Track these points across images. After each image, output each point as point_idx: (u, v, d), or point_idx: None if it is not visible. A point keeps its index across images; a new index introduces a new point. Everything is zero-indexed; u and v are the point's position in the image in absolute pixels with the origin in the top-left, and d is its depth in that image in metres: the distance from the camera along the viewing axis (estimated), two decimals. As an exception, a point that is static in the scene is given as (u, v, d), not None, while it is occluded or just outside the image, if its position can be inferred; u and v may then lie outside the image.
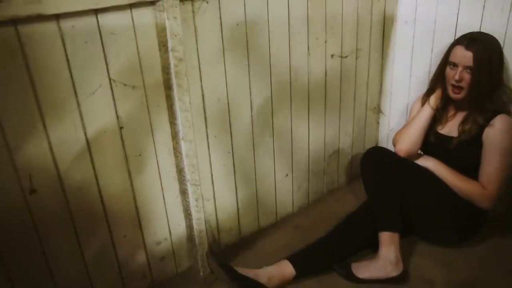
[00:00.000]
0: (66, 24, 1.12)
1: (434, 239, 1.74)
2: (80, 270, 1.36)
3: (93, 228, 1.36)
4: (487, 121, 1.57)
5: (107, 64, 1.22)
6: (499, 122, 1.56)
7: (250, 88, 1.61)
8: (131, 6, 1.21)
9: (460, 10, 1.76)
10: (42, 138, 1.17)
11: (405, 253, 1.64)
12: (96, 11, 1.15)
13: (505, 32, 1.62)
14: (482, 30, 1.68)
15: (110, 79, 1.24)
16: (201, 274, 1.62)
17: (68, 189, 1.26)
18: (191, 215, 1.53)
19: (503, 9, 1.61)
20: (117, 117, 1.30)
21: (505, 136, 1.55)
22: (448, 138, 1.68)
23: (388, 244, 1.56)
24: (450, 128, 1.70)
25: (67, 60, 1.15)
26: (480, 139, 1.59)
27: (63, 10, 1.08)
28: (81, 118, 1.22)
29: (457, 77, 1.56)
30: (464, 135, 1.62)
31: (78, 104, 1.21)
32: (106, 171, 1.33)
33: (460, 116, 1.68)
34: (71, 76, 1.17)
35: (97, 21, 1.17)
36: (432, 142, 1.73)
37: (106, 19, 1.18)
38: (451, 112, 1.73)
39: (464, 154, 1.64)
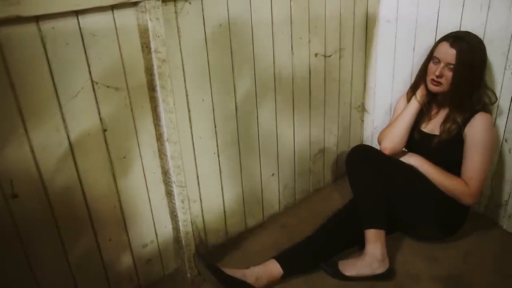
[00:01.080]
0: (46, 25, 1.10)
1: (419, 235, 1.77)
2: (65, 274, 1.35)
3: (78, 232, 1.34)
4: (467, 120, 1.60)
5: (89, 66, 1.21)
6: (479, 121, 1.58)
7: (234, 88, 1.61)
8: (112, 7, 1.20)
9: (440, 9, 1.79)
10: (23, 142, 1.15)
11: (391, 250, 1.66)
12: (76, 13, 1.14)
13: (484, 31, 1.65)
14: (462, 29, 1.71)
15: (92, 81, 1.23)
16: (188, 275, 1.61)
17: (51, 193, 1.24)
18: (177, 217, 1.52)
19: (482, 8, 1.64)
20: (101, 119, 1.29)
21: (485, 133, 1.58)
22: (431, 136, 1.71)
23: (374, 241, 1.58)
24: (433, 126, 1.73)
25: (48, 63, 1.13)
26: (461, 137, 1.62)
27: (42, 12, 1.07)
28: (64, 121, 1.21)
29: (437, 72, 1.59)
30: (445, 133, 1.65)
31: (60, 107, 1.19)
32: (90, 174, 1.32)
33: (442, 115, 1.71)
34: (53, 79, 1.15)
35: (78, 22, 1.15)
36: (416, 140, 1.76)
37: (88, 21, 1.17)
38: (434, 110, 1.75)
39: (446, 152, 1.67)
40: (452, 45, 1.56)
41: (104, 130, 1.31)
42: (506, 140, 1.70)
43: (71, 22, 1.14)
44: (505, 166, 1.73)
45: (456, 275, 1.58)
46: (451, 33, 1.63)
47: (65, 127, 1.21)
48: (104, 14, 1.19)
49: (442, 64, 1.59)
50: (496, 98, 1.66)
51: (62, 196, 1.27)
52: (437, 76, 1.59)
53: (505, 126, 1.69)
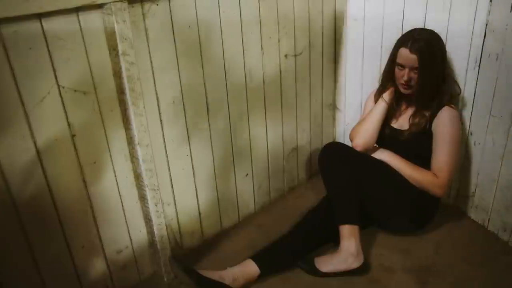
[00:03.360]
0: (7, 29, 1.07)
1: (392, 228, 1.81)
2: (36, 285, 1.31)
3: (48, 241, 1.31)
4: (434, 114, 1.66)
5: (54, 71, 1.18)
6: (445, 114, 1.64)
7: (205, 90, 1.61)
8: (77, 10, 1.18)
9: (405, 7, 1.83)
10: (-13, 150, 1.11)
11: (365, 244, 1.69)
12: (39, 16, 1.11)
13: (447, 26, 1.70)
14: (426, 25, 1.75)
15: (59, 85, 1.20)
16: (165, 280, 1.60)
17: (18, 201, 1.20)
18: (152, 221, 1.50)
19: (444, 6, 1.69)
20: (69, 124, 1.26)
21: (451, 126, 1.64)
22: (400, 131, 1.75)
23: (349, 237, 1.60)
24: (402, 122, 1.78)
25: (11, 68, 1.10)
26: (430, 131, 1.67)
27: (3, 15, 1.03)
28: (30, 128, 1.17)
29: (405, 78, 1.64)
30: (414, 128, 1.70)
31: (26, 113, 1.16)
32: (60, 181, 1.28)
33: (410, 111, 1.76)
34: (16, 84, 1.12)
35: (42, 26, 1.12)
36: (386, 136, 1.80)
37: (52, 24, 1.14)
38: (403, 107, 1.80)
39: (416, 146, 1.72)
40: (411, 50, 1.59)
41: (73, 136, 1.28)
42: (471, 133, 1.76)
43: (34, 25, 1.11)
44: (471, 159, 1.79)
45: (428, 266, 1.62)
46: (407, 35, 1.66)
47: (31, 134, 1.18)
48: (68, 17, 1.17)
49: (407, 69, 1.63)
50: (460, 89, 1.71)
51: (30, 204, 1.23)
52: (406, 81, 1.64)
53: (470, 120, 1.74)
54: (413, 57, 1.59)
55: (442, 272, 1.59)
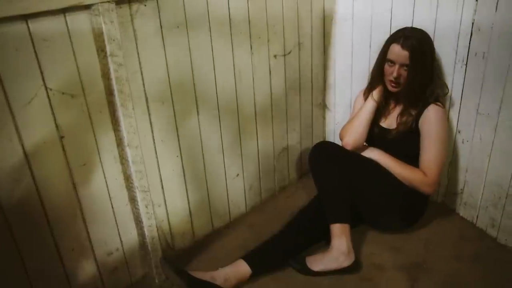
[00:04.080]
0: (-7, 31, 1.06)
1: (382, 226, 1.82)
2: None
3: (38, 244, 1.29)
4: (421, 112, 1.67)
5: (42, 72, 1.17)
6: (431, 112, 1.66)
7: (195, 91, 1.60)
8: (64, 11, 1.16)
9: (393, 7, 1.85)
10: (-27, 153, 1.10)
11: (356, 242, 1.70)
12: (25, 17, 1.10)
13: (434, 27, 1.71)
14: (414, 25, 1.77)
15: (46, 87, 1.19)
16: (157, 281, 1.59)
17: (6, 205, 1.19)
18: (142, 222, 1.49)
19: (431, 5, 1.70)
20: (57, 126, 1.25)
21: (438, 124, 1.65)
22: (389, 130, 1.77)
23: (339, 236, 1.61)
24: (391, 120, 1.79)
25: (-3, 70, 1.09)
26: (417, 129, 1.69)
27: (-13, 17, 1.03)
28: (17, 130, 1.16)
29: (395, 74, 1.64)
30: (402, 126, 1.72)
31: (13, 115, 1.14)
32: (49, 184, 1.27)
33: (399, 109, 1.77)
34: (2, 86, 1.10)
35: (28, 27, 1.11)
36: (375, 134, 1.81)
37: (38, 25, 1.13)
38: (391, 106, 1.82)
39: (404, 144, 1.73)
40: (403, 47, 1.61)
41: (61, 138, 1.27)
42: (459, 131, 1.78)
43: (20, 27, 1.10)
44: (459, 156, 1.81)
45: (419, 263, 1.63)
46: (399, 32, 1.68)
47: (19, 136, 1.17)
48: (55, 18, 1.16)
49: (397, 66, 1.64)
50: (448, 89, 1.73)
51: (19, 207, 1.22)
52: (395, 78, 1.65)
53: (458, 118, 1.76)
54: (405, 53, 1.61)
55: (432, 269, 1.60)
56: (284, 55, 1.93)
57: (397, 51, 1.63)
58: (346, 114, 2.19)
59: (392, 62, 1.66)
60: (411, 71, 1.62)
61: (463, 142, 1.77)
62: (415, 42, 1.61)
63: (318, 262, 1.61)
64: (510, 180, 1.59)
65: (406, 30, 1.68)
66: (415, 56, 1.60)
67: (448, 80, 1.74)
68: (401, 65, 1.64)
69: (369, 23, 1.97)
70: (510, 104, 1.53)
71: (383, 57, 1.70)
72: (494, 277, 1.54)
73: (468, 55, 1.64)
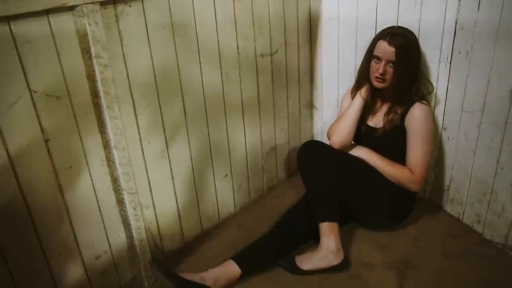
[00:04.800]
0: (-25, 33, 1.04)
1: (371, 224, 1.83)
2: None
3: (23, 249, 1.28)
4: (406, 110, 1.69)
5: (25, 75, 1.15)
6: (417, 110, 1.67)
7: (181, 90, 1.60)
8: (47, 12, 1.15)
9: (378, 7, 1.86)
10: (-44, 157, 1.08)
11: (345, 241, 1.71)
12: (8, 18, 1.08)
13: (419, 26, 1.73)
14: (399, 24, 1.79)
15: (30, 90, 1.18)
16: (146, 284, 1.58)
17: (-9, 210, 1.17)
18: (130, 225, 1.48)
19: (415, 4, 1.72)
20: (42, 129, 1.23)
21: (424, 122, 1.67)
22: (375, 129, 1.78)
23: (328, 234, 1.62)
24: (377, 119, 1.80)
25: (-21, 72, 1.07)
26: (403, 127, 1.70)
27: (-31, 19, 1.01)
28: (0, 133, 1.14)
29: (381, 70, 1.66)
30: (388, 124, 1.73)
31: (-4, 119, 1.13)
32: (34, 187, 1.26)
33: (385, 108, 1.79)
34: (-15, 89, 1.09)
35: (10, 29, 1.09)
36: (362, 133, 1.82)
37: (21, 27, 1.11)
38: (378, 105, 1.83)
39: (391, 142, 1.75)
40: (390, 43, 1.63)
41: (47, 140, 1.25)
42: (445, 129, 1.80)
43: (2, 29, 1.08)
44: (445, 153, 1.83)
45: (407, 260, 1.65)
46: (386, 30, 1.70)
47: (3, 139, 1.15)
48: (38, 19, 1.14)
49: (383, 62, 1.66)
50: (433, 88, 1.75)
51: (4, 212, 1.20)
52: (381, 74, 1.66)
53: (444, 115, 1.78)
54: (391, 49, 1.62)
55: (420, 266, 1.62)
56: (271, 54, 1.93)
57: (384, 48, 1.64)
58: (334, 113, 2.20)
59: (379, 59, 1.67)
60: (397, 68, 1.64)
61: (448, 140, 1.79)
62: (401, 39, 1.63)
63: (307, 261, 1.61)
64: (494, 176, 1.62)
65: (393, 28, 1.70)
66: (401, 53, 1.62)
67: (433, 78, 1.76)
68: (387, 62, 1.65)
69: (354, 23, 1.98)
70: (493, 102, 1.55)
71: (370, 54, 1.71)
72: (481, 272, 1.56)
73: (452, 54, 1.67)
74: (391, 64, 1.65)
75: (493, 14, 1.47)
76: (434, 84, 1.76)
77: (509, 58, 1.46)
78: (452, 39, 1.65)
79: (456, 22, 1.61)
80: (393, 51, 1.62)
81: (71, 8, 1.19)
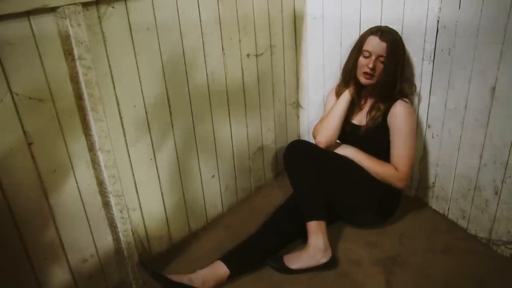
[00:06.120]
0: (-47, 36, 1.02)
1: (358, 222, 1.84)
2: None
3: (7, 254, 1.25)
4: (389, 108, 1.71)
5: (6, 77, 1.13)
6: (399, 107, 1.70)
7: (167, 92, 1.59)
8: (28, 13, 1.13)
9: (362, 6, 1.88)
10: None
11: (333, 239, 1.72)
12: (-13, 21, 1.07)
13: (402, 25, 1.75)
14: (383, 23, 1.80)
15: (12, 93, 1.16)
16: (134, 287, 1.57)
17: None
18: (117, 228, 1.47)
19: (398, 4, 1.74)
20: (24, 132, 1.21)
21: (406, 119, 1.69)
22: (359, 127, 1.80)
23: (316, 233, 1.62)
24: (361, 117, 1.82)
25: (-41, 76, 1.05)
26: (386, 125, 1.72)
27: None
28: (-18, 137, 1.13)
29: (371, 65, 1.67)
30: (371, 122, 1.75)
31: (-23, 122, 1.11)
32: (18, 191, 1.24)
33: (368, 106, 1.80)
34: (-35, 93, 1.07)
35: (-10, 31, 1.08)
36: (347, 132, 1.84)
37: (1, 29, 1.09)
38: (362, 103, 1.84)
39: (375, 140, 1.77)
40: (381, 38, 1.65)
41: (30, 144, 1.23)
42: (429, 126, 1.82)
43: (-18, 31, 1.07)
44: (430, 151, 1.85)
45: (394, 256, 1.67)
46: (375, 27, 1.72)
47: (-16, 144, 1.13)
48: (19, 21, 1.12)
49: (373, 57, 1.67)
50: (416, 87, 1.78)
51: (-13, 217, 1.18)
52: (371, 69, 1.67)
53: (427, 113, 1.81)
54: (383, 44, 1.65)
55: (407, 262, 1.63)
56: (256, 55, 1.93)
57: (375, 42, 1.66)
58: (320, 112, 2.21)
59: (369, 53, 1.68)
60: (388, 62, 1.66)
61: (433, 137, 1.82)
62: (391, 36, 1.67)
63: (296, 260, 1.62)
64: (478, 172, 1.64)
65: (381, 27, 1.73)
66: (392, 49, 1.65)
67: (417, 76, 1.78)
68: (377, 57, 1.67)
69: (339, 22, 2.00)
70: (475, 98, 1.58)
71: (358, 50, 1.72)
72: (466, 267, 1.59)
73: (435, 52, 1.69)
74: (381, 59, 1.66)
75: (474, 13, 1.49)
76: (418, 81, 1.78)
77: (489, 56, 1.48)
78: (435, 38, 1.67)
79: (438, 21, 1.64)
80: (385, 46, 1.64)
81: (53, 9, 1.17)
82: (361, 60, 1.71)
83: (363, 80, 1.72)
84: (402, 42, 1.72)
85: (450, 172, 1.77)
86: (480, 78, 1.54)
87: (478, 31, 1.50)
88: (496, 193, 1.59)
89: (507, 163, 1.52)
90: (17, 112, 1.18)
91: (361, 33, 1.79)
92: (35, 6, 1.12)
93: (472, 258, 1.63)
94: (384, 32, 1.67)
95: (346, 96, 1.79)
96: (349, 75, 1.79)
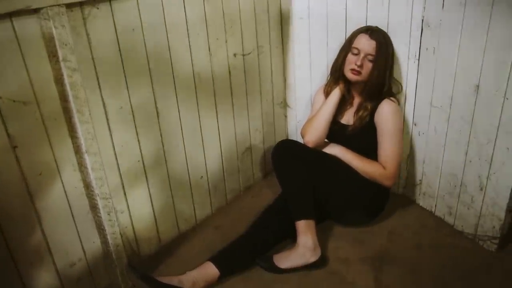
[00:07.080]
0: None
1: (346, 220, 1.85)
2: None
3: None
4: (376, 107, 1.73)
5: (-11, 80, 1.12)
6: (385, 106, 1.72)
7: (153, 92, 1.58)
8: (10, 15, 1.12)
9: (347, 5, 1.89)
10: None
11: (322, 238, 1.73)
12: (-31, 23, 1.05)
13: (387, 24, 1.77)
14: (369, 22, 1.81)
15: (-5, 96, 1.14)
16: (123, 289, 1.56)
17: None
18: (105, 230, 1.46)
19: (383, 3, 1.75)
20: (8, 136, 1.20)
21: (393, 118, 1.71)
22: (347, 126, 1.81)
23: (305, 232, 1.63)
24: (348, 117, 1.84)
25: None
26: (373, 124, 1.74)
27: None
28: (-35, 141, 1.11)
29: (358, 62, 1.69)
30: (358, 122, 1.76)
31: (-40, 126, 1.09)
32: (3, 196, 1.22)
33: (355, 105, 1.82)
34: None
35: (-28, 33, 1.06)
36: (334, 131, 1.84)
37: (-17, 31, 1.08)
38: (349, 102, 1.85)
39: (362, 139, 1.78)
40: (371, 37, 1.67)
41: (14, 147, 1.22)
42: (415, 124, 1.84)
43: (-37, 33, 1.05)
44: (416, 148, 1.87)
45: (382, 254, 1.68)
46: (365, 27, 1.74)
47: (-32, 148, 1.12)
48: (1, 22, 1.11)
49: (362, 55, 1.69)
50: (402, 87, 1.80)
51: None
52: (359, 66, 1.69)
53: (414, 111, 1.83)
54: (373, 43, 1.67)
55: (395, 259, 1.65)
56: (243, 55, 1.93)
57: (365, 40, 1.68)
58: (308, 112, 2.21)
59: (357, 51, 1.69)
60: (376, 62, 1.68)
61: (419, 135, 1.84)
62: (381, 36, 1.69)
63: (285, 260, 1.62)
64: (463, 169, 1.66)
65: (372, 26, 1.75)
66: (381, 47, 1.67)
67: (403, 75, 1.80)
68: (366, 55, 1.68)
69: (325, 22, 2.00)
70: (460, 96, 1.60)
71: (348, 46, 1.74)
72: (453, 263, 1.61)
73: (420, 51, 1.71)
74: (369, 58, 1.68)
75: (457, 12, 1.51)
76: (404, 80, 1.80)
77: (472, 55, 1.50)
78: (420, 37, 1.69)
79: (422, 20, 1.65)
80: (374, 45, 1.67)
81: (36, 10, 1.16)
82: (350, 57, 1.73)
83: (350, 75, 1.74)
84: (391, 42, 1.74)
85: (437, 169, 1.79)
86: (464, 76, 1.56)
87: (461, 30, 1.52)
88: (481, 189, 1.61)
89: (492, 159, 1.54)
90: (1, 115, 1.17)
91: (347, 33, 1.80)
92: (18, 7, 1.11)
93: (459, 253, 1.65)
94: (374, 31, 1.69)
95: (336, 94, 1.80)
96: (338, 73, 1.80)
